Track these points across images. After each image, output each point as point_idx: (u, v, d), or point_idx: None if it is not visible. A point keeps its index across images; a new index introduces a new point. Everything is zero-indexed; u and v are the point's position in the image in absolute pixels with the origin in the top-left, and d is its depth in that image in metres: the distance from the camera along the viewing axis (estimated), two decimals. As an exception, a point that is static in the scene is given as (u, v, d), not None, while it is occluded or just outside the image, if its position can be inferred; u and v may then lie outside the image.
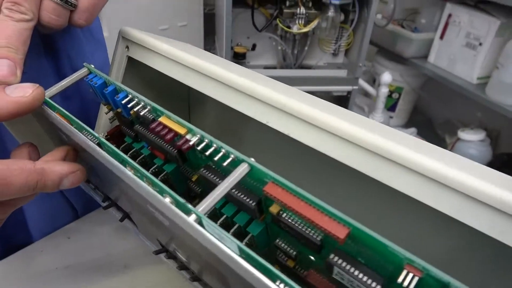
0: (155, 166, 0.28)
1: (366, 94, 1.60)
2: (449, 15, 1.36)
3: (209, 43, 1.43)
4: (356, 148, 0.20)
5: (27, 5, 0.23)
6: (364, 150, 0.20)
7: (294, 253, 0.23)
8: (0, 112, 0.21)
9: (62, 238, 0.38)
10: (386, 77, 1.39)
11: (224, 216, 0.24)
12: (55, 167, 0.22)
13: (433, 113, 1.70)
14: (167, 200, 0.17)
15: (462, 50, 1.33)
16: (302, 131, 0.22)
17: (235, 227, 0.23)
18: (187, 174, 0.27)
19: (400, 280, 0.15)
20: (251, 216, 0.24)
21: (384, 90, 1.43)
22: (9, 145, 0.35)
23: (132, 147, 0.29)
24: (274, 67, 1.20)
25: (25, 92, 0.22)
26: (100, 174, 0.23)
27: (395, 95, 1.60)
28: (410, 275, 0.15)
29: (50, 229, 0.40)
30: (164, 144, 0.25)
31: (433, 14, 1.48)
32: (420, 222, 0.24)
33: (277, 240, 0.23)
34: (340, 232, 0.16)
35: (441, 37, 1.40)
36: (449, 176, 0.18)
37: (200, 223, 0.17)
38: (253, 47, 1.18)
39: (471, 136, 1.36)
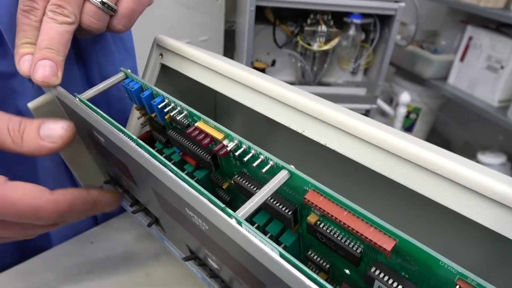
0: (185, 172, 0.28)
1: (383, 113, 1.59)
2: (470, 38, 1.36)
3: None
4: (399, 159, 0.20)
5: (70, 8, 0.24)
6: (407, 161, 0.19)
7: (327, 266, 0.22)
8: (28, 151, 0.23)
9: (85, 242, 0.37)
10: (405, 97, 1.38)
11: (256, 225, 0.23)
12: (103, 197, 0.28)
13: (452, 135, 1.68)
14: (208, 203, 0.16)
15: (483, 73, 1.32)
16: (340, 141, 0.22)
17: (267, 236, 0.23)
18: (217, 182, 0.27)
19: (452, 296, 0.14)
20: (284, 226, 0.23)
21: (402, 110, 1.42)
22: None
23: (163, 152, 0.29)
24: (293, 84, 1.21)
25: (56, 139, 0.24)
26: (135, 176, 0.23)
27: (412, 116, 1.59)
28: (463, 291, 0.14)
29: (70, 235, 0.40)
30: (197, 149, 0.25)
31: (454, 36, 1.48)
32: (457, 235, 0.23)
33: (309, 252, 0.23)
34: (387, 244, 0.16)
35: (462, 59, 1.39)
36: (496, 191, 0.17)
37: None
38: (273, 63, 1.19)
39: (491, 160, 1.33)
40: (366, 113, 1.20)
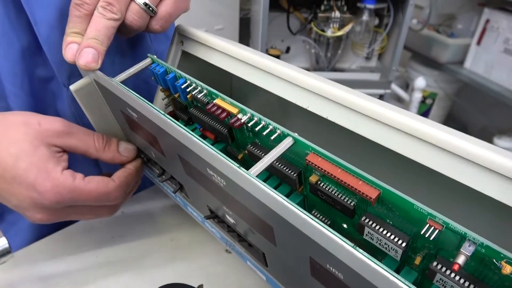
0: (205, 145, 0.31)
1: (398, 99, 1.59)
2: (487, 21, 1.34)
3: (244, 46, 1.48)
4: (386, 128, 0.23)
5: (118, 7, 0.28)
6: (395, 130, 0.22)
7: (329, 222, 0.26)
8: (107, 159, 0.32)
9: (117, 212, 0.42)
10: (420, 82, 1.39)
11: (267, 189, 0.27)
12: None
13: (468, 120, 1.67)
14: (226, 160, 0.20)
15: (500, 56, 1.31)
16: (339, 114, 0.25)
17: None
18: (233, 153, 0.31)
19: (422, 232, 0.18)
20: (291, 188, 0.27)
21: (418, 96, 1.43)
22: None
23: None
24: (307, 70, 1.23)
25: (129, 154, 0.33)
26: (163, 146, 0.27)
27: (428, 101, 1.59)
28: (432, 228, 0.17)
29: None
30: (216, 124, 0.29)
31: (470, 20, 1.46)
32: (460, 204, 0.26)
33: (313, 211, 0.26)
34: (372, 193, 0.19)
35: (478, 42, 1.38)
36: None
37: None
38: (287, 50, 1.21)
39: (508, 144, 1.33)
40: (380, 98, 1.22)
